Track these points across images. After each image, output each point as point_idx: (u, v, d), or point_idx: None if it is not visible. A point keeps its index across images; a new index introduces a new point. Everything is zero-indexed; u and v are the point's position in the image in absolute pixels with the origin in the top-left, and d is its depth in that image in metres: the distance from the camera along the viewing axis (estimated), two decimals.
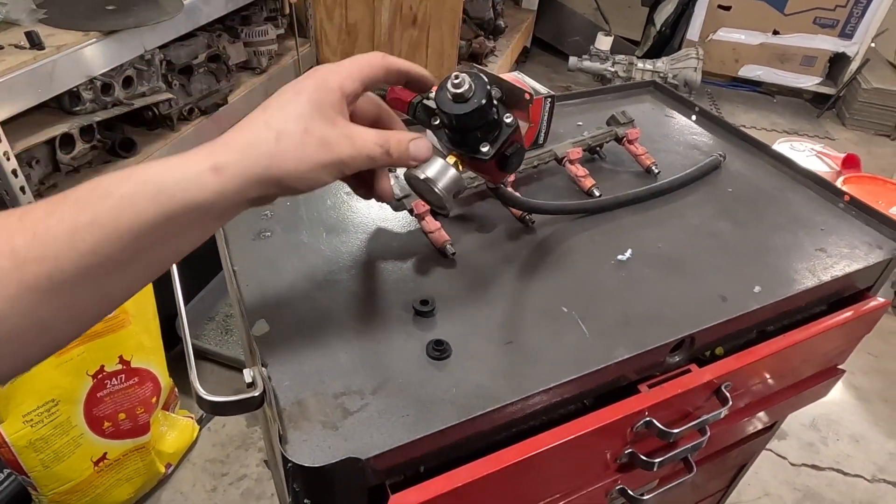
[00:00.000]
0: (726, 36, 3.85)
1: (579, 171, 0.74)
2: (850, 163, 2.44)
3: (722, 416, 0.59)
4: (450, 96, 0.45)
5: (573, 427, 0.52)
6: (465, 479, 0.48)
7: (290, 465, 0.42)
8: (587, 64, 3.59)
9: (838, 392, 2.01)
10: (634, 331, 0.56)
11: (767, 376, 0.65)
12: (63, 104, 1.37)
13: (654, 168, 0.78)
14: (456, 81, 0.44)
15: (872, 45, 3.59)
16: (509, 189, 0.62)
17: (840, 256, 0.67)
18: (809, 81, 3.82)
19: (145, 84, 1.53)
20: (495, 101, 0.47)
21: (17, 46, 1.26)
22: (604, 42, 3.55)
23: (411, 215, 0.64)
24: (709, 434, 0.62)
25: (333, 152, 0.41)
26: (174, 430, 1.63)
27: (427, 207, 0.63)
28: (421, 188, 0.49)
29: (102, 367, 1.40)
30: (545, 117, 0.78)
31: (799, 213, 0.74)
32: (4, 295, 0.34)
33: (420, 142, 0.46)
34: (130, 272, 0.39)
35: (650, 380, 0.57)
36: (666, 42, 3.85)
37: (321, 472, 0.42)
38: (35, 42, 1.26)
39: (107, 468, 1.44)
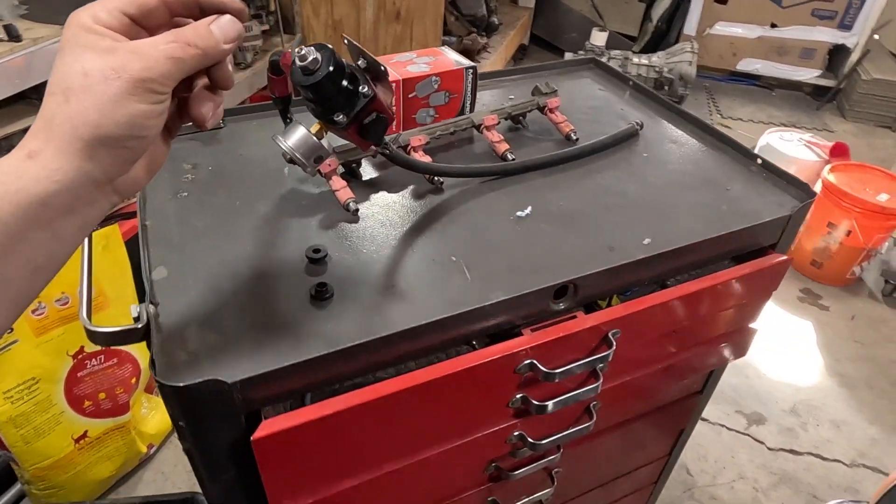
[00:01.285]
0: (724, 30, 3.84)
1: (494, 136, 0.77)
2: (838, 151, 2.42)
3: (609, 359, 0.62)
4: (299, 69, 0.48)
5: (452, 364, 0.55)
6: (337, 407, 0.51)
7: (161, 386, 0.46)
8: None
9: (821, 378, 2.00)
10: (516, 277, 0.58)
11: (665, 328, 0.67)
12: (41, 94, 1.43)
13: (573, 135, 0.81)
14: (301, 54, 0.47)
15: (876, 37, 3.55)
16: (401, 152, 0.65)
17: (740, 213, 0.69)
18: (809, 74, 3.79)
19: None
20: (352, 73, 0.50)
21: None
22: (598, 38, 3.56)
23: (320, 175, 0.68)
24: (601, 379, 0.64)
25: (124, 75, 0.36)
26: (157, 411, 1.68)
27: (332, 168, 0.66)
28: (288, 155, 0.52)
29: (82, 347, 1.45)
30: (468, 88, 0.81)
31: (709, 176, 0.76)
32: None
33: (224, 20, 0.40)
34: None
35: (536, 324, 0.60)
36: (662, 37, 3.86)
37: (186, 391, 0.45)
38: (13, 35, 1.32)
39: (87, 446, 1.49)
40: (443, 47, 0.85)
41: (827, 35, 3.63)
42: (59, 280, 1.39)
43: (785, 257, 0.71)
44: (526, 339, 0.58)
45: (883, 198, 2.19)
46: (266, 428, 0.49)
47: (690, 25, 3.85)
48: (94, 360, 1.47)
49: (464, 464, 0.67)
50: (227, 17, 0.41)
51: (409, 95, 0.78)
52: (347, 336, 0.51)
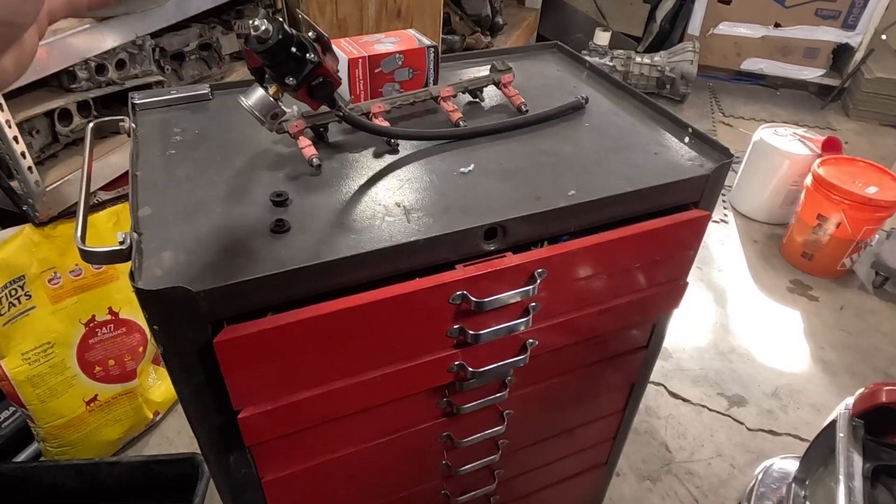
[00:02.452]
0: (728, 30, 3.88)
1: (450, 107, 0.86)
2: (829, 145, 2.47)
3: (534, 292, 0.70)
4: (254, 38, 0.58)
5: (388, 290, 0.64)
6: (286, 320, 0.60)
7: (138, 291, 0.56)
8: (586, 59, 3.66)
9: (805, 364, 2.05)
10: (450, 219, 0.67)
11: (589, 272, 0.75)
12: (62, 82, 1.55)
13: (523, 107, 0.89)
14: (255, 24, 0.57)
15: (884, 37, 3.58)
16: (354, 114, 0.74)
17: (660, 172, 0.77)
18: (813, 73, 3.82)
19: (137, 67, 1.71)
20: (301, 42, 0.59)
21: None
22: (602, 37, 3.64)
23: (289, 136, 0.77)
24: (531, 314, 0.73)
25: None
26: (163, 381, 1.79)
27: (299, 128, 0.76)
28: (248, 111, 0.62)
29: (94, 316, 1.57)
30: (430, 65, 0.91)
31: (642, 142, 0.84)
32: None
33: None
34: None
35: (468, 261, 0.69)
36: (666, 37, 3.92)
37: (158, 295, 0.55)
38: None
39: (97, 408, 1.61)
40: (411, 30, 0.95)
41: (831, 34, 3.66)
42: (73, 253, 1.50)
43: (705, 213, 0.79)
44: (458, 273, 0.67)
45: (872, 190, 2.24)
46: (226, 333, 0.58)
47: (694, 26, 3.91)
48: (104, 328, 1.59)
49: (413, 390, 0.76)
50: None
51: (375, 70, 0.87)
52: (296, 259, 0.60)
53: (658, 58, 3.61)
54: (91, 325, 1.57)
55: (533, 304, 0.73)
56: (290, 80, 0.60)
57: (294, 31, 0.60)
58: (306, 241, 0.64)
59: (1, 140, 1.37)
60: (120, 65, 1.66)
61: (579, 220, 0.73)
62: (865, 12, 3.55)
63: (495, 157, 0.80)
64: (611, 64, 3.59)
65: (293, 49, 0.59)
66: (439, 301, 0.67)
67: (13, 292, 1.46)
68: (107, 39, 1.57)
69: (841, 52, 3.74)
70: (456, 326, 0.71)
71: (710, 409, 1.89)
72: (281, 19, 0.58)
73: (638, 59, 3.60)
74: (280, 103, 0.63)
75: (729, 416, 1.87)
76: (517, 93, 0.90)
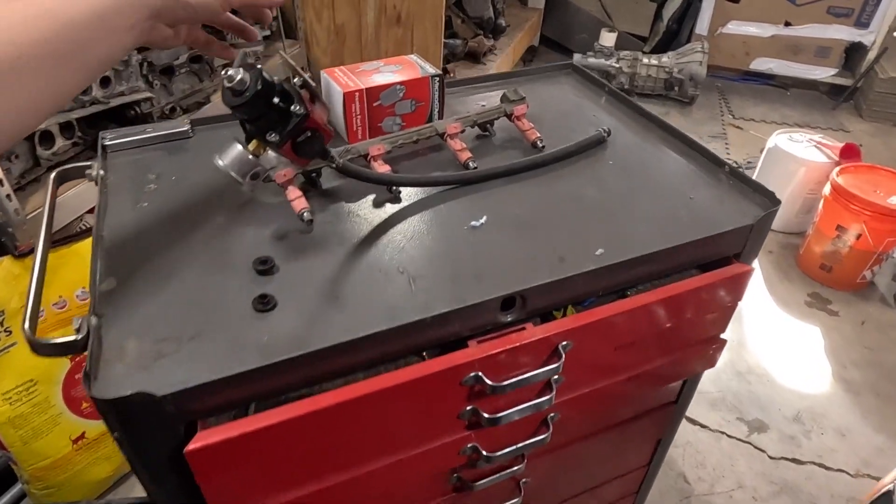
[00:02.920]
0: (736, 29, 3.78)
1: (457, 145, 0.77)
2: (848, 152, 2.37)
3: (559, 371, 0.61)
4: (228, 90, 0.49)
5: (392, 377, 0.55)
6: (272, 419, 0.51)
7: (93, 399, 0.47)
8: (591, 61, 3.58)
9: (826, 385, 1.96)
10: (461, 288, 0.58)
11: (620, 339, 0.66)
12: None
13: (538, 143, 0.80)
14: (229, 74, 0.48)
15: None
16: (350, 163, 0.65)
17: (700, 222, 0.68)
18: (824, 73, 3.71)
19: (124, 84, 1.62)
20: (285, 91, 0.50)
21: None
22: (607, 38, 3.54)
23: (277, 185, 0.68)
24: (555, 391, 0.64)
25: None
26: None
27: (288, 177, 0.67)
28: (224, 172, 0.53)
29: None
30: (435, 95, 0.81)
31: (675, 183, 0.75)
32: None
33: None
34: (69, 68, 0.45)
35: (483, 336, 0.60)
36: (673, 37, 3.82)
37: (117, 404, 0.46)
38: None
39: (85, 447, 1.52)
40: (412, 55, 0.85)
41: (843, 33, 3.56)
42: (58, 284, 1.42)
43: (748, 267, 0.69)
44: (471, 352, 0.58)
45: (894, 200, 2.14)
46: (199, 440, 0.49)
47: (702, 25, 3.80)
48: None
49: (419, 475, 0.67)
50: None
51: (374, 104, 0.78)
52: (282, 348, 0.51)
53: (666, 59, 3.51)
54: (77, 358, 1.48)
55: (556, 377, 0.64)
56: (273, 137, 0.51)
57: (275, 79, 0.51)
58: (294, 321, 0.54)
59: None
60: (104, 82, 1.56)
61: (606, 281, 0.64)
62: (879, 10, 3.44)
63: (510, 205, 0.70)
64: (617, 66, 3.50)
65: (275, 100, 0.50)
66: (450, 384, 0.58)
67: None
68: None
69: (853, 51, 3.64)
70: (469, 408, 0.62)
71: (729, 436, 1.80)
72: (260, 66, 0.49)
73: (645, 61, 3.50)
74: (261, 160, 0.54)
75: (749, 444, 1.78)
76: (532, 126, 0.81)
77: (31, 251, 1.42)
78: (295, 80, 0.54)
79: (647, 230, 0.67)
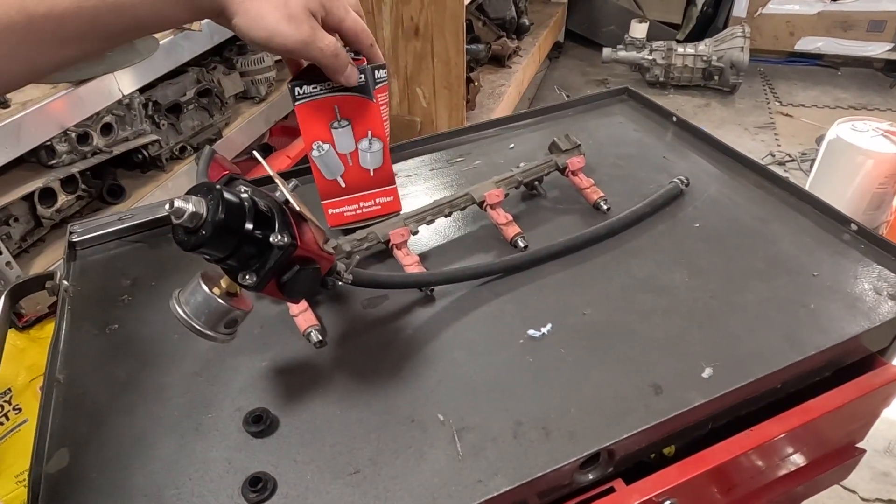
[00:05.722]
0: (778, 8, 3.52)
1: (500, 217, 0.61)
2: None
3: None
4: (178, 228, 0.34)
5: None
6: None
7: None
8: (622, 54, 3.38)
9: None
10: (526, 446, 0.43)
11: (738, 481, 0.50)
12: (40, 158, 1.35)
13: (602, 204, 0.64)
14: (176, 207, 0.33)
15: None
16: (362, 272, 0.50)
17: (834, 313, 0.51)
18: (879, 48, 3.43)
19: (127, 128, 1.50)
20: (260, 215, 0.36)
21: None
22: (638, 29, 3.33)
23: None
24: None
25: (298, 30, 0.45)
26: None
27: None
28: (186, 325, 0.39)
29: None
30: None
31: (786, 253, 0.58)
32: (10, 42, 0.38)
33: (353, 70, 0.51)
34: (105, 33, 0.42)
35: None
36: (709, 22, 3.58)
37: None
38: (0, 101, 1.24)
39: None
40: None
41: None
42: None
43: None
44: None
45: None
46: None
47: (740, 7, 3.55)
48: None
49: None
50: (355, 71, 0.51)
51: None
52: None
53: (703, 46, 3.28)
54: None
55: None
56: (249, 280, 0.36)
57: (245, 196, 0.36)
58: None
59: None
60: (106, 129, 1.44)
61: (719, 409, 0.47)
62: None
63: (576, 300, 0.54)
64: (650, 58, 3.28)
65: (248, 227, 0.35)
66: None
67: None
68: (87, 104, 1.36)
69: None
70: None
71: None
72: (218, 186, 0.34)
73: (680, 50, 3.28)
74: (234, 303, 0.39)
75: (838, 484, 1.58)
76: (592, 183, 0.65)
77: (37, 322, 1.31)
78: (276, 193, 0.39)
79: (766, 332, 0.50)
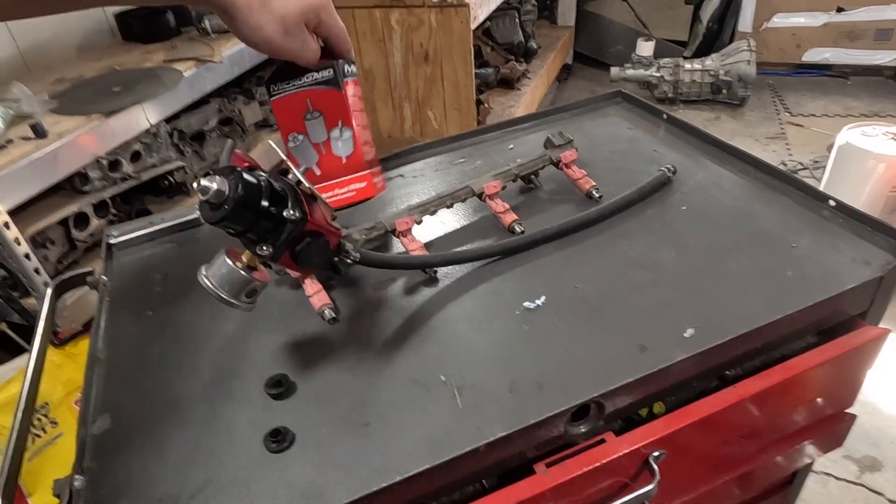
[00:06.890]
0: (783, 21, 3.56)
1: (499, 206, 0.66)
2: None
3: (652, 495, 0.48)
4: (205, 205, 0.39)
5: None
6: None
7: None
8: (630, 73, 3.44)
9: None
10: (520, 399, 0.47)
11: (725, 436, 0.53)
12: (73, 185, 1.44)
13: (594, 192, 0.68)
14: (202, 185, 0.38)
15: None
16: (371, 252, 0.55)
17: (811, 279, 0.54)
18: (887, 56, 3.44)
19: (154, 156, 1.59)
20: (275, 194, 0.41)
21: (24, 138, 1.33)
22: (645, 48, 3.40)
23: (292, 277, 0.59)
24: None
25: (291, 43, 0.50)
26: None
27: (307, 270, 0.57)
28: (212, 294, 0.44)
29: None
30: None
31: (768, 229, 0.62)
32: None
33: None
34: None
35: (553, 456, 0.48)
36: (715, 38, 3.63)
37: None
38: (39, 132, 1.34)
39: None
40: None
41: None
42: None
43: (882, 330, 0.55)
44: (540, 479, 0.46)
45: None
46: None
47: (745, 22, 3.60)
48: None
49: None
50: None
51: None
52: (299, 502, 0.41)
53: (710, 62, 3.33)
54: None
55: (644, 501, 0.51)
56: (265, 250, 0.41)
57: (262, 178, 0.41)
58: (314, 462, 0.44)
59: (12, 259, 1.26)
60: (135, 157, 1.54)
61: (701, 367, 0.51)
62: None
63: (569, 277, 0.59)
64: (658, 75, 3.34)
65: (265, 204, 0.40)
66: None
67: (37, 422, 1.33)
68: (117, 134, 1.46)
69: None
70: None
71: (837, 478, 1.58)
72: (239, 169, 0.40)
73: (688, 66, 3.33)
74: (255, 274, 0.44)
75: (863, 486, 1.56)
76: (584, 174, 0.69)
77: (72, 338, 1.38)
78: (289, 176, 0.44)
79: (745, 297, 0.53)
